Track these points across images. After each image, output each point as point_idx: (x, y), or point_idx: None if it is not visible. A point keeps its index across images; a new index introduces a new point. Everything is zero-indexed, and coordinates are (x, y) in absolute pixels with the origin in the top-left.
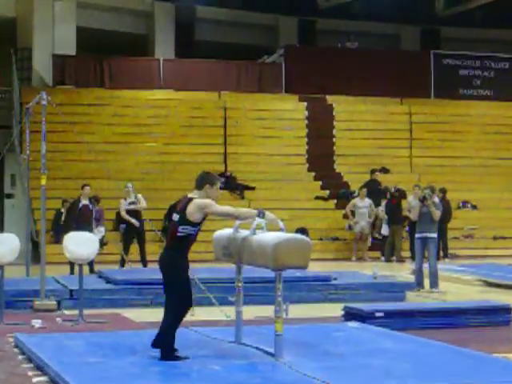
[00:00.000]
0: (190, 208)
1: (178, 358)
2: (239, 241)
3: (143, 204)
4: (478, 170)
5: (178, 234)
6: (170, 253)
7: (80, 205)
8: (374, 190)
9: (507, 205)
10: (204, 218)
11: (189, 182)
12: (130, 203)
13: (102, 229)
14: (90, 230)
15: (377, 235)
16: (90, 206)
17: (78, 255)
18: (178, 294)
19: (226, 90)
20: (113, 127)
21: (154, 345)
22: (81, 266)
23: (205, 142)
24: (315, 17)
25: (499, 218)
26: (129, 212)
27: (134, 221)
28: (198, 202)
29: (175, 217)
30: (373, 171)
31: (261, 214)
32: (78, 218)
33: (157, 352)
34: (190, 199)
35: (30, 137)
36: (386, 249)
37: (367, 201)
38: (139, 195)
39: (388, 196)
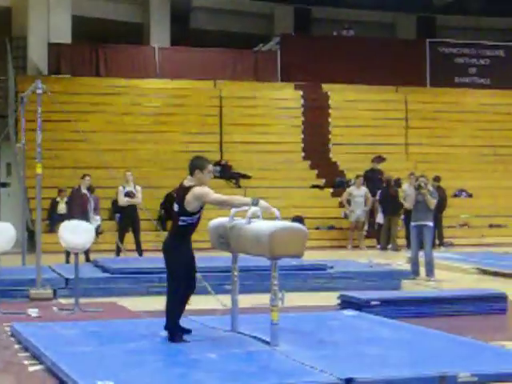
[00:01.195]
0: (188, 197)
1: (183, 341)
2: (235, 229)
3: (139, 198)
4: (473, 158)
5: (180, 223)
6: (172, 240)
7: (80, 193)
8: (373, 179)
9: (502, 193)
10: (202, 207)
11: (184, 170)
12: (128, 192)
13: (98, 217)
14: (88, 219)
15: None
16: (88, 195)
17: (74, 244)
18: (177, 279)
19: (221, 79)
20: (108, 116)
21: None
22: (76, 254)
23: (200, 130)
24: (311, 5)
25: (495, 206)
26: (125, 206)
27: (133, 199)
28: (196, 192)
29: (175, 207)
30: (372, 160)
31: (254, 202)
32: (79, 207)
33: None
34: (187, 188)
35: (26, 126)
36: (381, 237)
37: (363, 189)
38: (138, 187)
39: (384, 185)
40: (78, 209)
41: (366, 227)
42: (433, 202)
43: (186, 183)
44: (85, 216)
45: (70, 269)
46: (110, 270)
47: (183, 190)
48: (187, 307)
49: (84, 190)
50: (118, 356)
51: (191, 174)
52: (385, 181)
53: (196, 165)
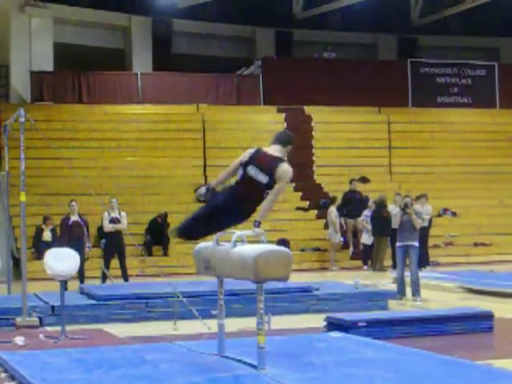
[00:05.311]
0: (279, 173)
1: None
2: (220, 254)
3: (124, 223)
4: (457, 177)
5: (264, 196)
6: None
7: (70, 222)
8: (352, 200)
9: (487, 211)
10: None
11: (169, 195)
12: (113, 218)
13: (88, 244)
14: (82, 246)
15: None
16: (81, 221)
17: (59, 271)
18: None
19: (204, 103)
20: (91, 142)
21: None
22: (62, 282)
23: (184, 155)
24: (292, 28)
25: (479, 225)
26: (110, 232)
27: (118, 225)
28: (286, 170)
29: (262, 178)
30: (351, 181)
31: (257, 224)
32: (69, 235)
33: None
34: (276, 159)
35: (9, 154)
36: (374, 259)
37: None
38: (123, 213)
39: (374, 206)
40: (66, 240)
41: (351, 248)
42: (418, 222)
43: (273, 152)
44: (73, 244)
45: (56, 296)
46: (96, 296)
47: (272, 160)
48: (174, 332)
49: (74, 217)
50: (105, 383)
51: (285, 145)
52: (377, 201)
53: (292, 142)
